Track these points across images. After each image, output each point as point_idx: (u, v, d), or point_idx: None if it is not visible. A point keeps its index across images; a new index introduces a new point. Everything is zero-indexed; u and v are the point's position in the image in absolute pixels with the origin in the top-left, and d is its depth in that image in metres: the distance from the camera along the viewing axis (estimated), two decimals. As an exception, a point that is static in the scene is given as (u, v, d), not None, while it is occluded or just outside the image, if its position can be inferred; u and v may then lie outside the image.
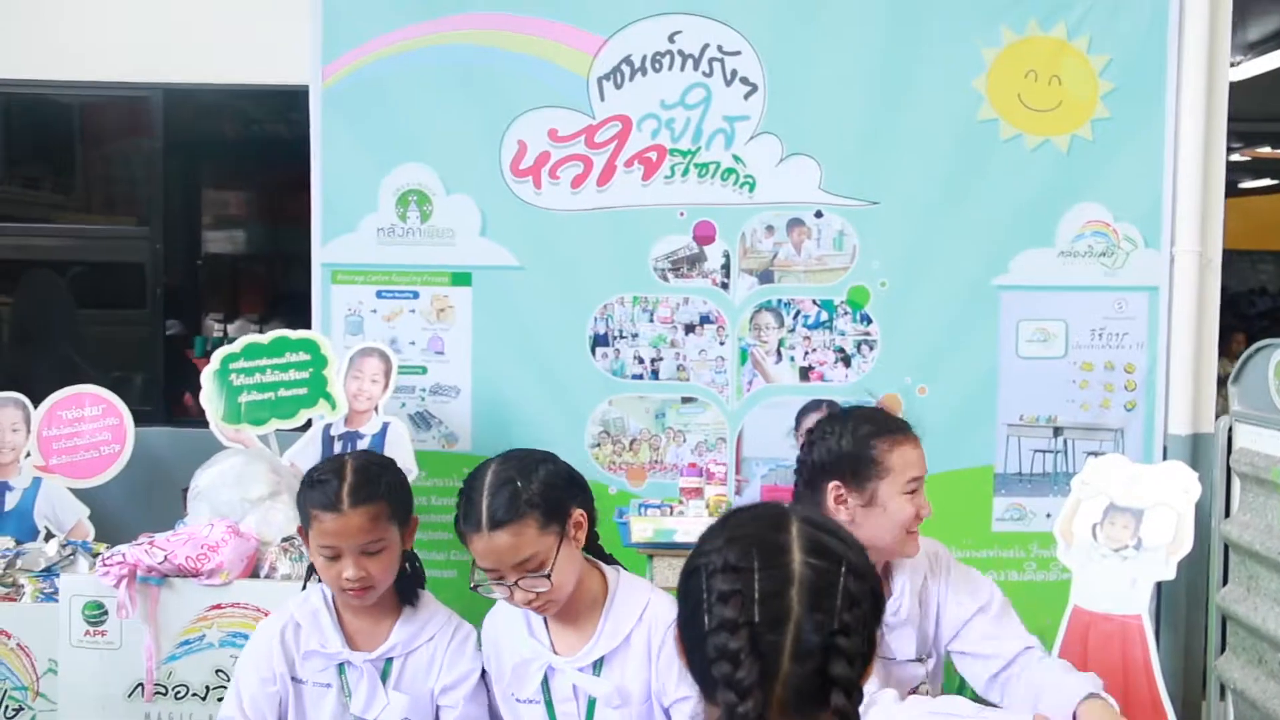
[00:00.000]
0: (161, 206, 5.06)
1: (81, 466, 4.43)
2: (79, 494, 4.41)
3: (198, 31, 4.82)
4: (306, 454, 4.35)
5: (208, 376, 4.35)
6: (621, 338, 4.74)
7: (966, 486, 4.62)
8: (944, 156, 4.58)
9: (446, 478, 4.77)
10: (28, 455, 4.43)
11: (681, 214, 4.69)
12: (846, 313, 4.66)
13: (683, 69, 4.66)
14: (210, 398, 4.33)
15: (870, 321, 4.65)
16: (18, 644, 3.72)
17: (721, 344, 4.72)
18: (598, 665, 2.17)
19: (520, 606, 2.08)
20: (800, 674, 1.17)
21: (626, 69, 4.67)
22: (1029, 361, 4.63)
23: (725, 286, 4.70)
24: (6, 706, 3.74)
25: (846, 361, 4.66)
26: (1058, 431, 4.64)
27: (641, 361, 4.74)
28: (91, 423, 4.47)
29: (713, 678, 1.18)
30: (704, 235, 4.70)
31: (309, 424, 4.37)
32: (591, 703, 2.17)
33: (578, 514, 2.17)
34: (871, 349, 4.65)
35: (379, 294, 4.80)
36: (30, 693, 3.73)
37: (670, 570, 4.07)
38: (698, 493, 4.22)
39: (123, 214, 5.76)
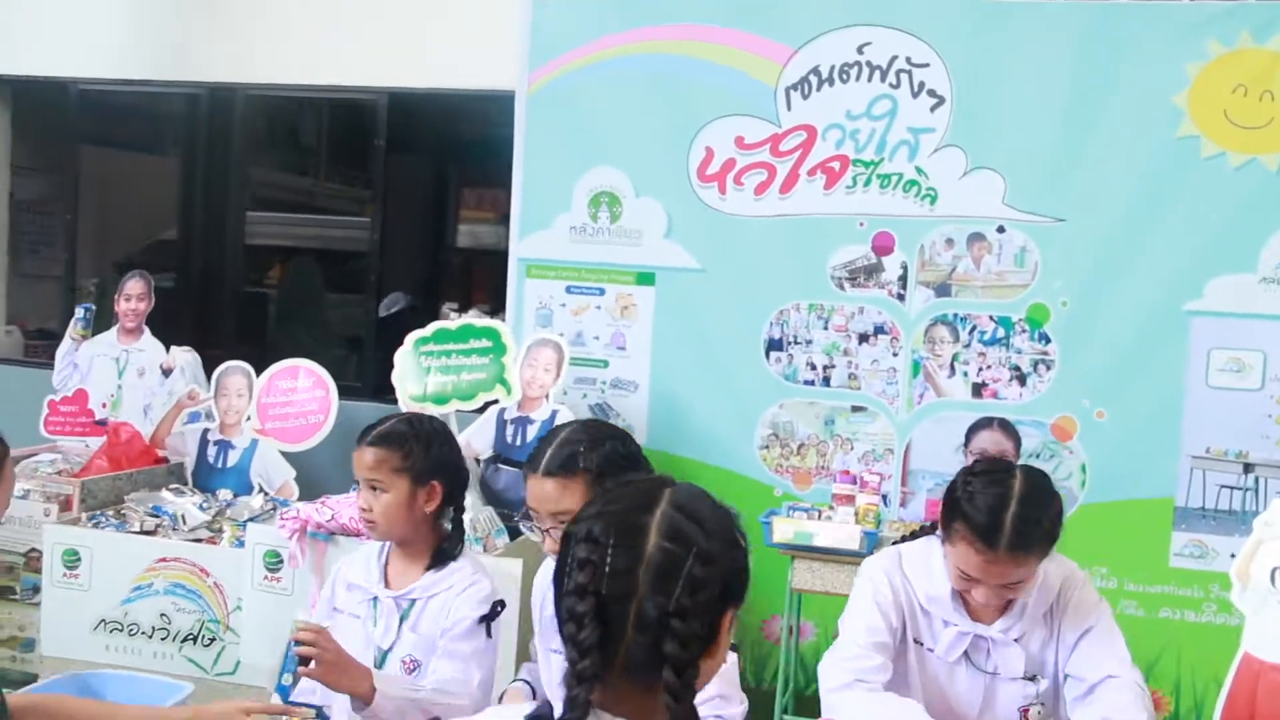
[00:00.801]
0: (382, 200, 5.51)
1: (292, 432, 4.88)
2: (289, 457, 4.86)
3: (418, 40, 5.22)
4: (481, 435, 4.66)
5: (400, 357, 4.73)
6: (795, 343, 4.81)
7: (1142, 517, 4.44)
8: (1137, 174, 4.42)
9: (621, 468, 4.97)
10: (249, 419, 4.92)
11: (861, 224, 4.72)
12: (1024, 330, 4.57)
13: (870, 80, 4.69)
14: (401, 377, 4.70)
15: (1049, 341, 4.54)
16: (214, 582, 4.18)
17: (895, 355, 4.72)
18: None
19: (548, 553, 2.23)
20: (642, 644, 1.26)
21: (814, 79, 4.74)
22: (1220, 392, 4.40)
23: (901, 298, 4.70)
24: (203, 635, 4.20)
25: (1021, 380, 4.57)
26: (1248, 468, 4.38)
27: (814, 368, 4.80)
28: (304, 393, 4.92)
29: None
30: (883, 246, 4.71)
31: (485, 407, 4.66)
32: None
33: None
34: (1048, 369, 4.54)
35: (568, 289, 5.06)
36: (222, 626, 4.19)
37: (810, 573, 4.13)
38: (849, 500, 4.25)
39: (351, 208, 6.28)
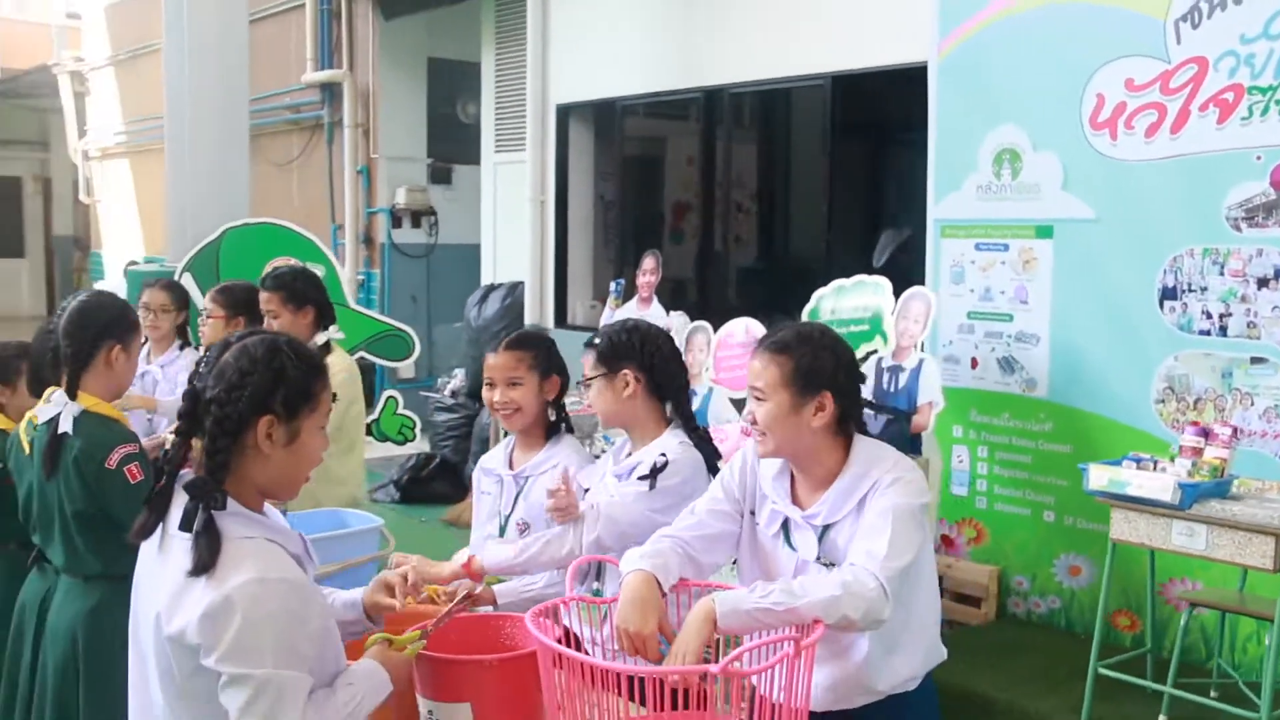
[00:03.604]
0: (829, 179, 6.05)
1: (739, 380, 5.64)
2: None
3: (847, 24, 5.70)
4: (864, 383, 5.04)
5: (805, 314, 5.27)
6: (1190, 291, 4.53)
7: None
8: None
9: (1027, 420, 5.07)
10: (707, 369, 5.78)
11: (1259, 157, 4.32)
12: None
13: (1266, -3, 4.29)
14: (806, 330, 5.25)
15: None
16: None
17: (1298, 300, 4.26)
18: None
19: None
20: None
21: (1205, 5, 4.44)
22: None
23: (1305, 236, 4.23)
24: None
25: None
26: None
27: (1209, 317, 4.48)
28: (741, 348, 5.66)
29: None
30: (1283, 180, 4.28)
31: (867, 357, 5.04)
32: None
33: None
34: None
35: (977, 246, 5.22)
36: None
37: (1126, 523, 4.00)
38: (1197, 452, 4.01)
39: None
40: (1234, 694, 4.15)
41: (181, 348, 4.81)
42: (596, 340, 2.97)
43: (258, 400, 1.89)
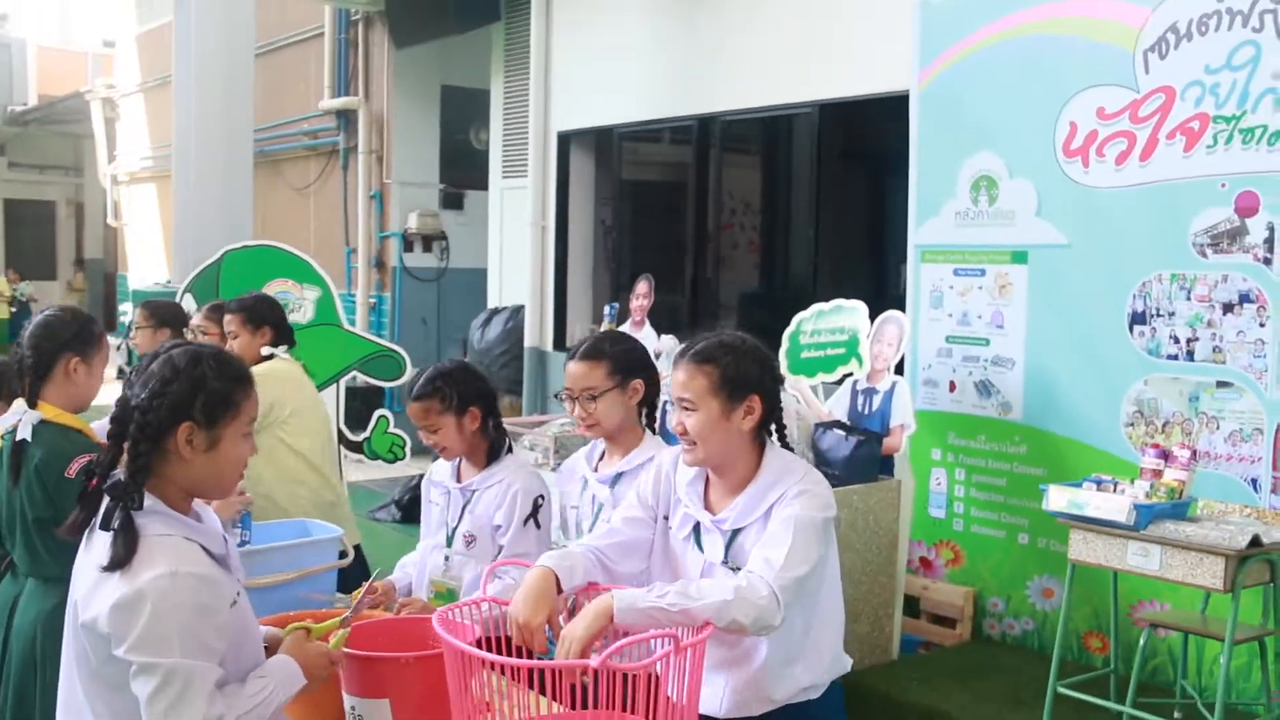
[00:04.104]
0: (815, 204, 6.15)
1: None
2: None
3: (834, 53, 5.81)
4: (839, 404, 5.13)
5: (786, 336, 5.36)
6: (1158, 316, 4.58)
7: None
8: None
9: (1002, 443, 5.12)
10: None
11: (1223, 185, 4.38)
12: (1404, 292, 3.93)
13: (1230, 28, 4.35)
14: (785, 353, 5.34)
15: None
16: None
17: (1261, 325, 4.30)
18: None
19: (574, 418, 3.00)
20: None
21: (1171, 37, 4.51)
22: None
23: (1268, 262, 4.27)
24: None
25: (1401, 350, 3.93)
26: None
27: (1177, 341, 4.54)
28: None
29: None
30: (1246, 207, 4.33)
31: (842, 380, 5.12)
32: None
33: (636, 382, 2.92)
34: None
35: (955, 272, 5.30)
36: None
37: (1084, 543, 4.06)
38: (1157, 474, 4.06)
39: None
40: (1195, 715, 4.19)
41: None
42: (603, 350, 2.96)
43: (178, 407, 1.99)
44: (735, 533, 2.39)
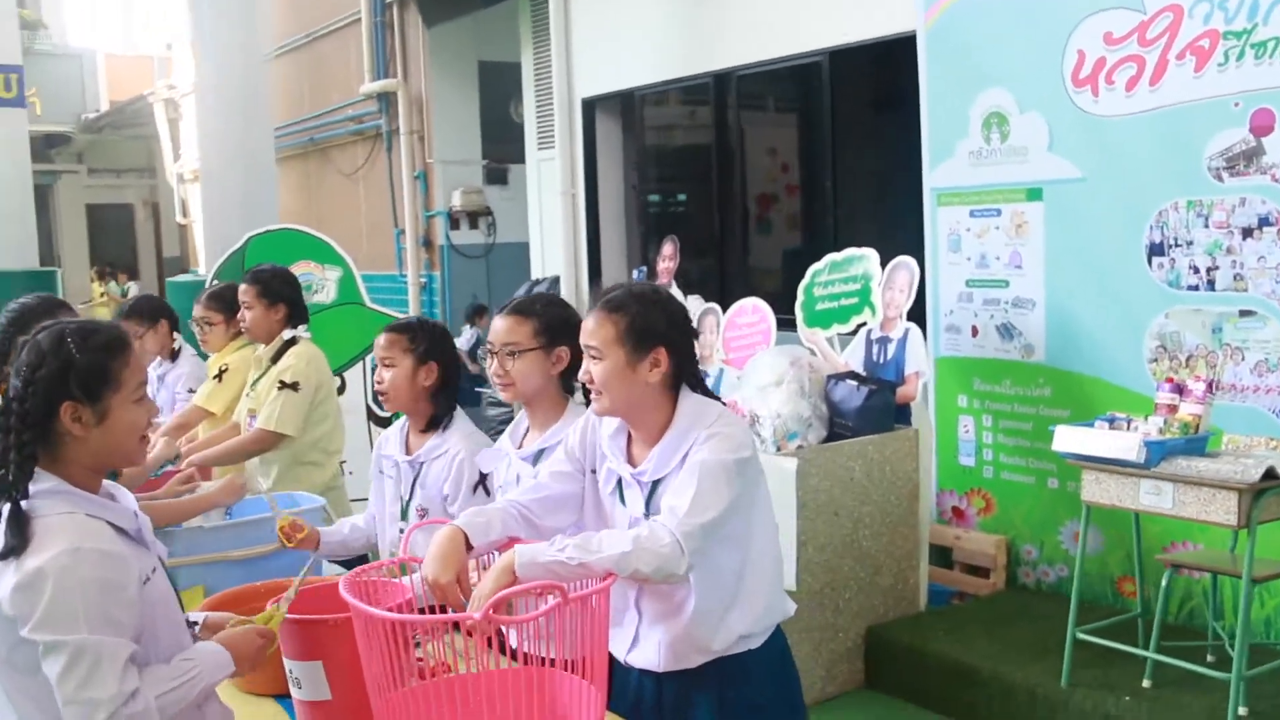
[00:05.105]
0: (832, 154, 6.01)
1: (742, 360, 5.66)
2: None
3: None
4: (855, 354, 5.02)
5: (800, 289, 5.26)
6: (1177, 246, 4.41)
7: None
8: None
9: (1027, 386, 4.99)
10: (716, 351, 5.79)
11: (1237, 104, 4.19)
12: None
13: (1237, -62, 4.15)
14: (800, 306, 5.24)
15: None
16: None
17: (1283, 249, 4.11)
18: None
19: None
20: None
21: (1178, -49, 4.32)
22: None
23: (1286, 182, 4.09)
24: None
25: None
26: None
27: (1197, 271, 4.36)
28: (748, 328, 5.67)
29: None
30: (1262, 125, 4.14)
31: (856, 330, 5.01)
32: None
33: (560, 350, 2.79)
34: None
35: (971, 213, 5.15)
36: None
37: (1096, 484, 3.92)
38: (1172, 409, 3.91)
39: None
40: (1227, 657, 4.03)
41: (173, 357, 5.09)
42: (534, 309, 2.83)
43: (52, 390, 1.95)
44: (655, 484, 2.33)
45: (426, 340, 3.13)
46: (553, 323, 2.80)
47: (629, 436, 2.45)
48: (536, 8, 8.84)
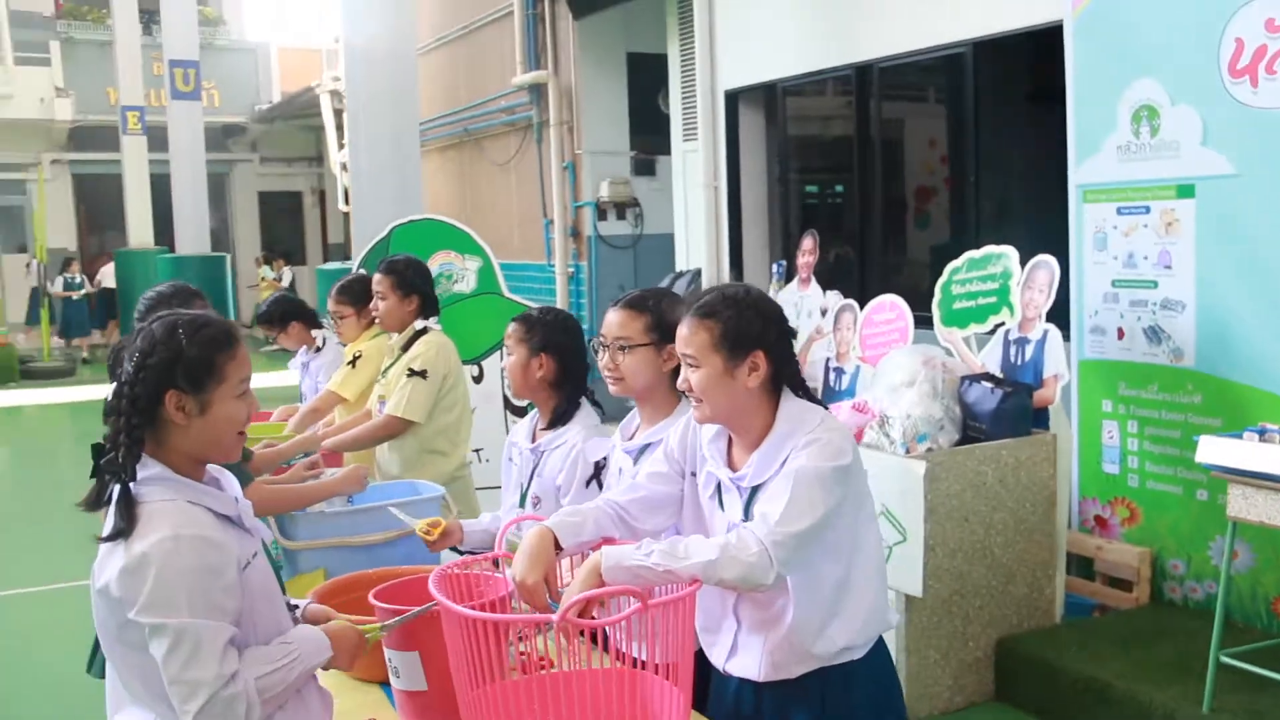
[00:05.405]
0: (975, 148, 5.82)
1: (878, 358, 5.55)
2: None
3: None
4: (992, 355, 4.88)
5: (938, 287, 5.13)
6: (1341, 247, 4.15)
7: None
8: None
9: (1175, 392, 4.77)
10: (854, 348, 5.70)
11: None
12: None
13: None
14: (937, 304, 5.11)
15: None
16: None
17: None
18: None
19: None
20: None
21: (1348, -65, 4.05)
22: None
23: None
24: None
25: None
26: None
27: (1362, 274, 4.10)
28: (886, 325, 5.55)
29: None
30: None
31: (994, 330, 4.86)
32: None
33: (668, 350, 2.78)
34: None
35: (1119, 210, 4.94)
36: None
37: (1244, 499, 3.73)
38: (1331, 423, 3.69)
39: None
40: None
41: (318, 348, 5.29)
42: (647, 304, 2.83)
43: (160, 378, 2.03)
44: (755, 489, 2.30)
45: (542, 332, 3.17)
46: (666, 320, 2.78)
47: (729, 440, 2.42)
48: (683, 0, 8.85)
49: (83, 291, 18.40)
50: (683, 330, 2.38)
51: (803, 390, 2.41)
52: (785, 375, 2.37)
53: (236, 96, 23.09)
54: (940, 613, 4.40)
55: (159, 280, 14.25)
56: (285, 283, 19.87)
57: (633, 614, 1.91)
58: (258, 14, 25.34)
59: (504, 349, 3.26)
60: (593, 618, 2.05)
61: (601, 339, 2.88)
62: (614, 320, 2.84)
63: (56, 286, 18.32)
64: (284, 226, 25.53)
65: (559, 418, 3.17)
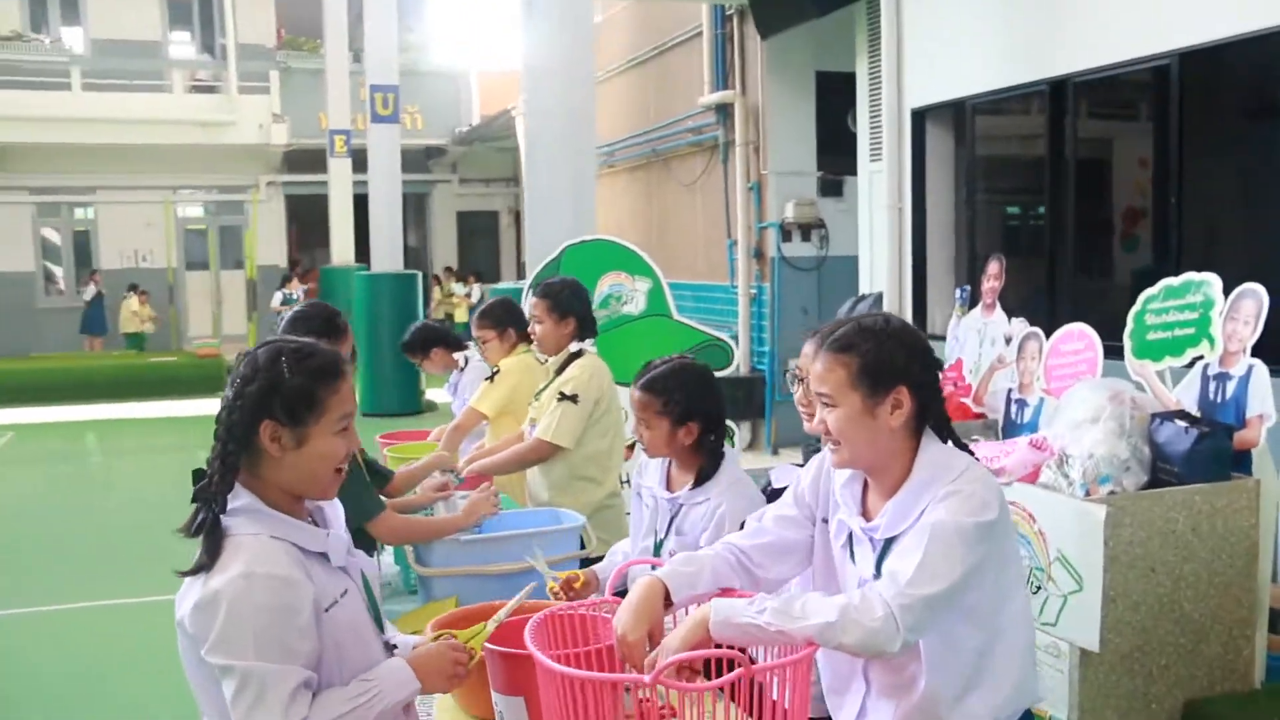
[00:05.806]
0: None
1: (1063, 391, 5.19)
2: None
3: None
4: (1188, 391, 4.48)
5: (1130, 316, 4.76)
6: None
7: None
8: None
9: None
10: (1038, 379, 5.36)
11: None
12: None
13: None
14: (1129, 335, 4.74)
15: None
16: (1039, 529, 4.24)
17: None
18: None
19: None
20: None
21: None
22: None
23: None
24: (1030, 582, 4.21)
25: None
26: None
27: None
28: (1074, 355, 5.19)
29: None
30: None
31: (1192, 363, 4.46)
32: None
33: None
34: None
35: (1340, 235, 4.49)
36: (1045, 575, 4.24)
37: None
38: None
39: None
40: None
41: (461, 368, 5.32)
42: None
43: (257, 406, 1.96)
44: (888, 542, 2.10)
45: (683, 399, 2.98)
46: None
47: (865, 484, 2.22)
48: (872, 17, 8.58)
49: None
50: (816, 367, 2.19)
51: (948, 432, 2.19)
52: (931, 413, 2.16)
53: (438, 120, 23.92)
54: (1120, 670, 4.05)
55: (358, 296, 14.86)
56: (475, 299, 20.37)
57: (733, 679, 1.75)
58: (458, 39, 26.13)
59: (635, 417, 3.08)
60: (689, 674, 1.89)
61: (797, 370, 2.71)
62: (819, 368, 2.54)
63: (275, 302, 19.21)
64: (481, 245, 26.27)
65: (703, 478, 3.00)
